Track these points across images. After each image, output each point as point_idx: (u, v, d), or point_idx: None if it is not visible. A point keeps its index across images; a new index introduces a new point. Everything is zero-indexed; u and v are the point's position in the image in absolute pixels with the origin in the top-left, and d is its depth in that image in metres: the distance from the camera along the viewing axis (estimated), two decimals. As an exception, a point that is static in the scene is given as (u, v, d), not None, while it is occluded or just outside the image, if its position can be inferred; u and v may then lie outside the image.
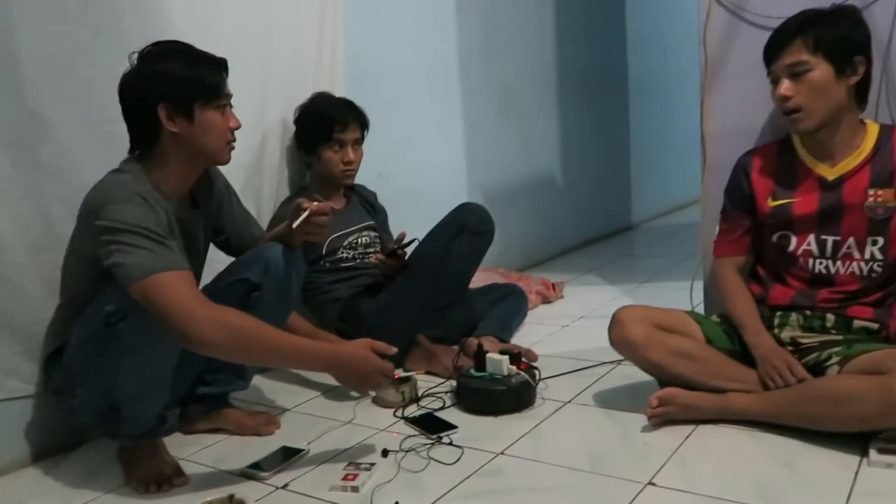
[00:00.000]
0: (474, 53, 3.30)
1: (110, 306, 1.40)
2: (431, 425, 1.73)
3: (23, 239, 1.65)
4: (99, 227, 1.38)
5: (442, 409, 1.85)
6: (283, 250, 1.68)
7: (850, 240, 1.62)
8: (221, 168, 1.69)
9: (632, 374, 1.84)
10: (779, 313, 1.70)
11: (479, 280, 2.47)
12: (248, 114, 1.73)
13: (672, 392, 1.63)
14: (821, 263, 1.66)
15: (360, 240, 2.31)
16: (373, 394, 1.92)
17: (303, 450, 1.64)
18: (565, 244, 4.13)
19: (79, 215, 1.50)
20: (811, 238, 1.66)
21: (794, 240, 1.68)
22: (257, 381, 2.13)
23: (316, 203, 1.67)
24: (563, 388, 1.94)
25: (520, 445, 1.63)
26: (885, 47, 1.72)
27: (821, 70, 1.54)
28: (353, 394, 1.97)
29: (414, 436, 1.69)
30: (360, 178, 2.35)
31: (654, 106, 5.08)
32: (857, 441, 1.45)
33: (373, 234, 2.37)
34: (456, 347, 2.16)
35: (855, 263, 1.63)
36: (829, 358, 1.55)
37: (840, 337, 1.62)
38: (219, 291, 1.61)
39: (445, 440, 1.65)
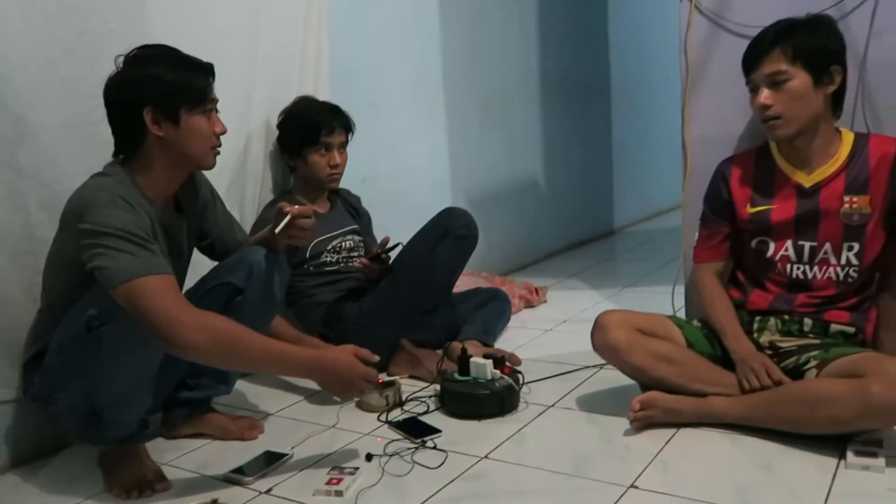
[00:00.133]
0: (458, 58, 3.31)
1: (92, 310, 1.39)
2: (415, 429, 1.73)
3: (2, 242, 1.63)
4: (82, 230, 1.37)
5: (426, 413, 1.86)
6: (267, 254, 1.68)
7: (827, 245, 1.65)
8: (205, 171, 1.69)
9: (614, 377, 1.86)
10: (758, 318, 1.73)
11: (462, 284, 2.48)
12: (231, 117, 1.72)
13: (654, 396, 1.64)
14: (798, 269, 1.68)
15: (344, 244, 2.31)
16: (356, 400, 1.92)
17: (286, 454, 1.64)
18: (548, 248, 4.15)
19: (61, 219, 1.49)
20: (789, 244, 1.68)
21: (772, 245, 1.70)
22: (240, 385, 2.11)
23: (297, 207, 1.67)
24: (547, 391, 1.95)
25: (503, 449, 1.63)
26: (861, 57, 1.75)
27: (800, 79, 1.57)
28: (336, 399, 1.97)
29: (398, 440, 1.70)
30: (345, 182, 2.35)
31: (635, 111, 5.13)
32: (834, 444, 1.48)
33: (357, 238, 2.37)
34: (440, 351, 2.17)
35: (831, 269, 1.66)
36: (808, 362, 1.57)
37: (818, 341, 1.65)
38: (202, 295, 1.61)
39: (429, 444, 1.66)
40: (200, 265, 1.78)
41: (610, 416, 1.75)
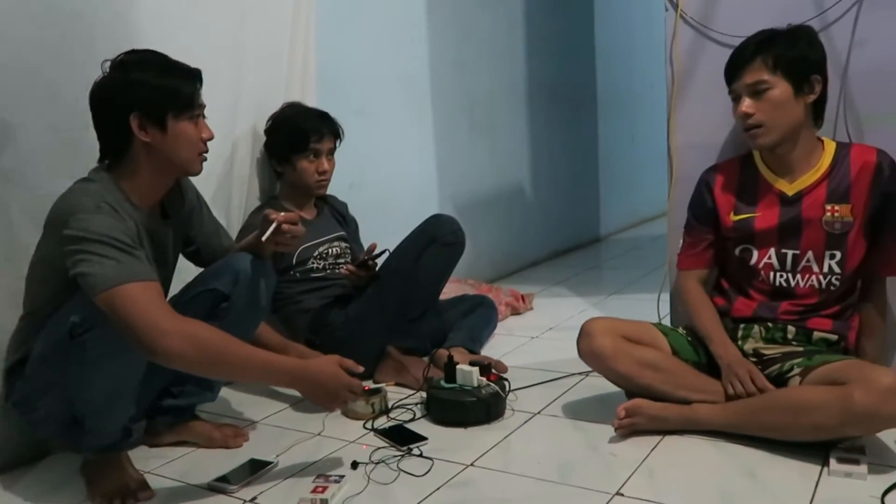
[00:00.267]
0: (446, 65, 3.32)
1: (75, 317, 1.38)
2: (401, 437, 1.73)
3: (-16, 248, 1.62)
4: (65, 236, 1.36)
5: (412, 420, 1.85)
6: (253, 260, 1.67)
7: (809, 253, 1.67)
8: (191, 177, 1.68)
9: (600, 385, 1.86)
10: (742, 325, 1.74)
11: (449, 291, 2.48)
12: (218, 123, 1.71)
13: (639, 403, 1.65)
14: (781, 276, 1.70)
15: (330, 250, 2.31)
16: (338, 411, 1.91)
17: (271, 462, 1.63)
18: (535, 256, 4.16)
19: (45, 224, 1.47)
20: (772, 252, 1.70)
21: (755, 253, 1.72)
22: (225, 392, 2.10)
23: (284, 213, 1.67)
24: (533, 399, 1.96)
25: (490, 457, 1.63)
26: (842, 67, 1.78)
27: (780, 88, 1.59)
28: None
29: (384, 448, 1.69)
30: (331, 189, 2.35)
31: (622, 120, 5.17)
32: (817, 451, 1.49)
33: (343, 244, 2.36)
34: (426, 359, 2.16)
35: (814, 277, 1.67)
36: (791, 369, 1.59)
37: (801, 348, 1.66)
38: (187, 301, 1.60)
39: (415, 452, 1.65)
40: (186, 271, 1.77)
41: (595, 423, 1.76)
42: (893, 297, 1.76)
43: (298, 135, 2.21)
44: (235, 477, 1.56)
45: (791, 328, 1.69)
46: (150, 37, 1.74)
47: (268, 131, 2.28)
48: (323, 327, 2.18)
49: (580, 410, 1.87)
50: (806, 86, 1.61)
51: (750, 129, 1.63)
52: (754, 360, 1.68)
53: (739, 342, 1.73)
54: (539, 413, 1.87)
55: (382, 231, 2.37)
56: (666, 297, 2.10)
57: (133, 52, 1.50)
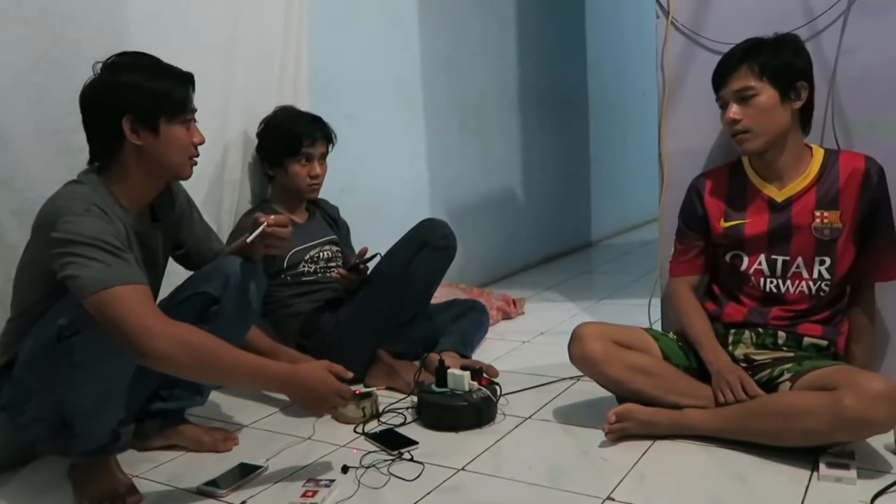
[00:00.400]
0: (437, 70, 3.33)
1: (63, 320, 1.37)
2: (392, 441, 1.72)
3: (-28, 250, 1.60)
4: (54, 238, 1.35)
5: (403, 424, 1.85)
6: (243, 264, 1.66)
7: (799, 259, 1.68)
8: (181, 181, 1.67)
9: (591, 389, 1.87)
10: (733, 331, 1.75)
11: (440, 295, 2.48)
12: (209, 126, 1.71)
13: (630, 408, 1.65)
14: (771, 282, 1.71)
15: (321, 254, 2.30)
16: (327, 416, 1.90)
17: (261, 466, 1.62)
18: (526, 260, 4.17)
19: (33, 227, 1.46)
20: (762, 258, 1.71)
21: (746, 259, 1.73)
22: (215, 396, 2.09)
23: (273, 216, 1.66)
24: (524, 403, 1.96)
25: (480, 461, 1.63)
26: (830, 75, 1.79)
27: (767, 94, 1.61)
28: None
29: (374, 452, 1.68)
30: (323, 193, 2.35)
31: (613, 125, 5.19)
32: (807, 456, 1.50)
33: (335, 248, 2.36)
34: (417, 363, 2.16)
35: (804, 283, 1.68)
36: (781, 374, 1.59)
37: (791, 354, 1.67)
38: (177, 305, 1.59)
39: (406, 456, 1.65)
40: (175, 275, 1.76)
41: (586, 427, 1.76)
42: (882, 302, 1.77)
43: (291, 139, 2.20)
44: (225, 481, 1.56)
45: (781, 334, 1.70)
46: (141, 40, 1.73)
47: (260, 135, 2.27)
48: (314, 331, 2.18)
49: (571, 415, 1.87)
50: (792, 92, 1.62)
51: (737, 134, 1.65)
52: (745, 365, 1.69)
53: (730, 347, 1.74)
54: (530, 417, 1.87)
55: (374, 235, 2.37)
56: (656, 301, 2.10)
57: (124, 54, 1.49)
